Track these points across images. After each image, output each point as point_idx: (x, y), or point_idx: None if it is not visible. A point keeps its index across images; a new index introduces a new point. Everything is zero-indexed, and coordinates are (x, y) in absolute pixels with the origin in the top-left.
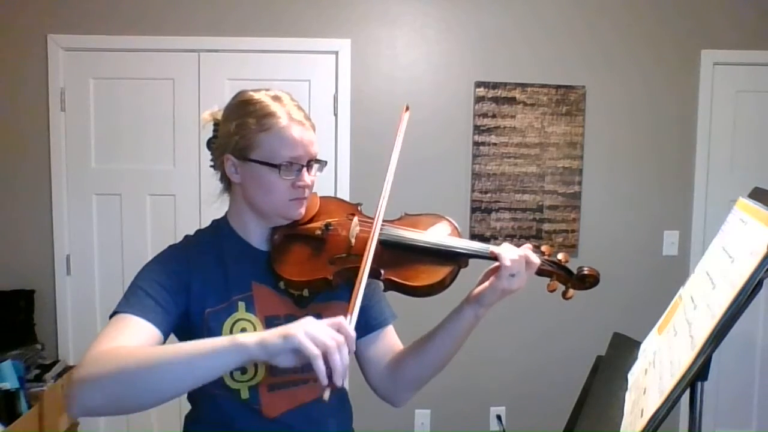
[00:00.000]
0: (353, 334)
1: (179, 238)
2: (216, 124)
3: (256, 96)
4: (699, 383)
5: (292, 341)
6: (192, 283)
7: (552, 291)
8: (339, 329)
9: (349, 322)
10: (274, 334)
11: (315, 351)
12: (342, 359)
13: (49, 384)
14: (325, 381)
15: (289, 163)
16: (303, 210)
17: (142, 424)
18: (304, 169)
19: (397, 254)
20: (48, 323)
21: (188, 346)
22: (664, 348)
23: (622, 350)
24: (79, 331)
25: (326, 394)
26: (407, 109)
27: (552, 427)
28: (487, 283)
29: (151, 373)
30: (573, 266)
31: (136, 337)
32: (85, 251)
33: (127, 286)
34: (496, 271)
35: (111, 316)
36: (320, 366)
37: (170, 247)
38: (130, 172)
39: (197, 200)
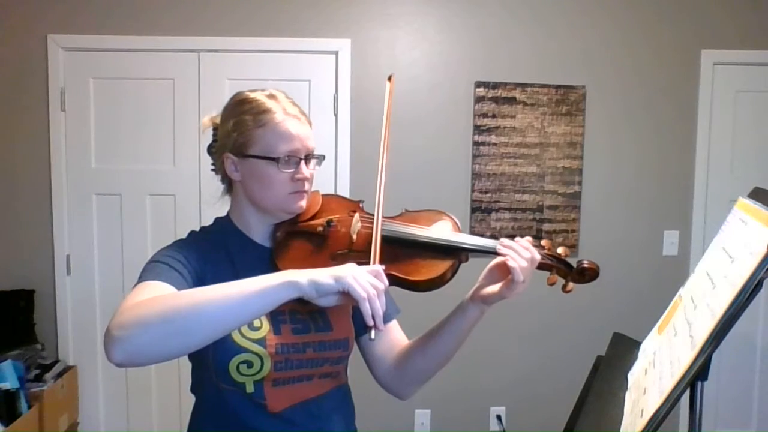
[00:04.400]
0: (386, 282)
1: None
2: (215, 129)
3: (252, 95)
4: (699, 383)
5: (344, 283)
6: (206, 273)
7: (552, 284)
8: (377, 276)
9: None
10: (325, 275)
11: (363, 294)
12: (381, 305)
13: (49, 384)
14: (371, 321)
15: (287, 157)
16: (304, 204)
17: (142, 422)
18: (302, 161)
19: (397, 249)
20: (48, 323)
21: (238, 285)
22: (664, 348)
23: (622, 350)
24: (79, 331)
25: (373, 334)
26: (390, 79)
27: (552, 427)
28: (497, 290)
29: (202, 310)
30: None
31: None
32: (85, 251)
33: (140, 273)
34: (500, 268)
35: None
36: (367, 307)
37: (179, 240)
38: (130, 172)
39: (197, 200)
